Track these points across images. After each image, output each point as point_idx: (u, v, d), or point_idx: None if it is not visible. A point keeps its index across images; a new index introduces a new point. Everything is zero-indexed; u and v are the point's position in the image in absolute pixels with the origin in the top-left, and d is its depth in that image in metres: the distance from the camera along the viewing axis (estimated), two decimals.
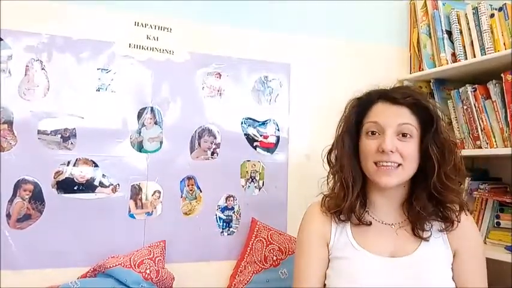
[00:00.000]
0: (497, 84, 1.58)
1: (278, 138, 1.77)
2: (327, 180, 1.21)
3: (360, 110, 1.16)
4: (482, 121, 1.62)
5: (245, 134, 1.73)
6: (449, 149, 1.09)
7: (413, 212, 1.12)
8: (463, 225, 1.12)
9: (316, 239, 1.16)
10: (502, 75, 1.55)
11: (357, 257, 1.10)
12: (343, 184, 1.14)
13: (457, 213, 1.11)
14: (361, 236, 1.13)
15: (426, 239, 1.11)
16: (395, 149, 1.06)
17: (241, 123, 1.73)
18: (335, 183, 1.18)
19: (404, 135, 1.08)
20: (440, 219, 1.12)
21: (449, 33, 1.83)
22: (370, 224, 1.14)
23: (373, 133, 1.10)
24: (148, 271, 1.44)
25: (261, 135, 1.75)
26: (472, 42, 1.74)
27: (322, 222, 1.18)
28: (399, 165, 1.08)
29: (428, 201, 1.11)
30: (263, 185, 1.72)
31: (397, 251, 1.11)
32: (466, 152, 1.63)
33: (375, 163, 1.09)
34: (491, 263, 1.23)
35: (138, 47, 1.60)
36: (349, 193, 1.13)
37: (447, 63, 1.80)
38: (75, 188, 1.50)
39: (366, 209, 1.16)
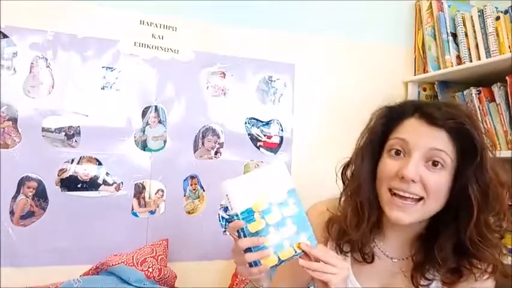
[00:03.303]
0: (501, 87, 1.57)
1: (282, 138, 1.77)
2: (339, 200, 1.01)
3: (388, 121, 0.95)
4: (486, 124, 1.61)
5: (249, 134, 1.73)
6: (495, 191, 0.87)
7: (423, 253, 0.93)
8: None
9: None
10: (506, 78, 1.54)
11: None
12: (358, 209, 0.94)
13: (481, 273, 0.89)
14: (359, 267, 0.99)
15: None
16: (418, 178, 0.86)
17: (245, 123, 1.73)
18: (347, 206, 0.97)
19: (435, 164, 0.87)
20: (450, 273, 0.91)
21: (455, 35, 1.82)
22: (372, 260, 0.97)
23: (397, 152, 0.90)
24: (150, 269, 1.44)
25: (264, 135, 1.75)
26: (477, 44, 1.74)
27: (321, 234, 0.99)
28: (420, 199, 0.88)
29: (452, 253, 0.89)
30: None
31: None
32: None
33: (390, 190, 0.90)
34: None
35: (143, 45, 1.60)
36: (363, 221, 0.94)
37: (452, 66, 1.79)
38: (79, 185, 1.50)
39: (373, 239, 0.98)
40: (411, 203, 0.88)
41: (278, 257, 0.85)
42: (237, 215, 0.84)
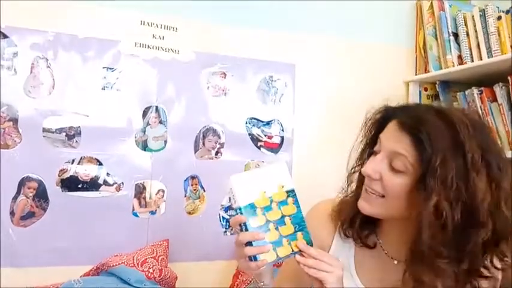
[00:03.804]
0: (503, 87, 1.57)
1: (282, 138, 1.77)
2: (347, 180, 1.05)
3: (381, 123, 0.98)
4: (488, 124, 1.59)
5: (249, 134, 1.72)
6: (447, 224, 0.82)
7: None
8: None
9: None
10: (508, 77, 1.54)
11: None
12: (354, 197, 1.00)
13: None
14: (362, 265, 1.02)
15: None
16: (377, 176, 0.90)
17: (246, 123, 1.72)
18: (352, 191, 1.02)
19: (393, 166, 0.89)
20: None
21: (456, 35, 1.81)
22: (374, 246, 1.00)
23: (375, 153, 0.94)
24: (151, 270, 1.43)
25: (265, 136, 1.75)
26: (478, 44, 1.73)
27: (327, 228, 1.05)
28: (382, 196, 0.91)
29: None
30: None
31: None
32: None
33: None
34: None
35: (144, 46, 1.60)
36: (354, 206, 0.98)
37: (453, 66, 1.78)
38: (79, 186, 1.50)
39: (374, 230, 1.02)
40: (374, 197, 0.92)
41: (276, 253, 0.88)
42: (240, 209, 0.87)
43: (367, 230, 1.01)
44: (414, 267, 0.87)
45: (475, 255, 0.85)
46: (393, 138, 0.90)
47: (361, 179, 0.98)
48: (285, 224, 0.90)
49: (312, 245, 0.91)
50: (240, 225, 0.87)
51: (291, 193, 0.91)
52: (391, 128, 0.92)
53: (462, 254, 0.84)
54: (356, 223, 1.00)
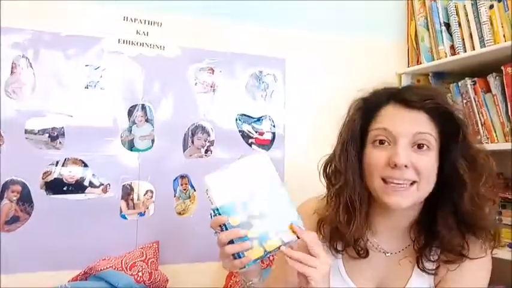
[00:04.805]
0: (497, 77, 1.55)
1: (274, 134, 1.74)
2: (327, 199, 0.99)
3: (366, 113, 0.96)
4: (483, 115, 1.59)
5: (240, 131, 1.69)
6: (482, 163, 0.90)
7: (421, 238, 0.94)
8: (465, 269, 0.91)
9: None
10: (502, 68, 1.51)
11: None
12: (348, 205, 0.93)
13: (480, 248, 0.92)
14: (351, 264, 0.99)
15: (431, 272, 0.93)
16: (410, 164, 0.87)
17: (236, 119, 1.69)
18: (336, 204, 0.95)
19: (420, 146, 0.88)
20: (452, 250, 0.91)
21: (448, 25, 1.78)
22: (367, 255, 0.96)
23: (381, 142, 0.90)
24: (140, 274, 1.41)
25: (256, 132, 1.72)
26: (471, 34, 1.70)
27: (312, 230, 0.96)
28: (413, 182, 0.88)
29: (453, 228, 0.91)
30: None
31: (385, 284, 0.97)
32: None
33: (383, 179, 0.90)
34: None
35: (128, 42, 1.56)
36: (356, 216, 0.93)
37: (446, 56, 1.76)
38: (65, 188, 1.47)
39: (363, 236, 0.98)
40: (406, 188, 0.89)
41: (264, 248, 0.84)
42: (217, 209, 0.84)
43: (360, 238, 0.96)
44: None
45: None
46: (410, 121, 0.89)
47: (360, 173, 0.94)
48: (270, 216, 0.85)
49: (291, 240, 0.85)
50: (220, 226, 0.84)
51: (275, 185, 0.86)
52: (396, 112, 0.91)
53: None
54: (348, 239, 0.95)
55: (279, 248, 0.85)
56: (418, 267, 0.94)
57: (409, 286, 0.95)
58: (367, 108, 0.96)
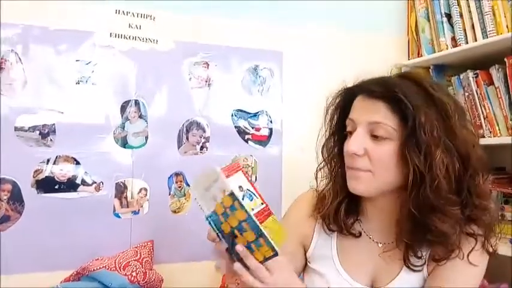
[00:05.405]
0: (500, 69, 1.52)
1: (271, 130, 1.71)
2: (316, 175, 1.06)
3: (343, 107, 1.00)
4: (485, 108, 1.56)
5: (236, 127, 1.66)
6: (437, 156, 0.86)
7: (409, 232, 0.92)
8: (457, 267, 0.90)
9: (292, 233, 0.98)
10: (505, 59, 1.48)
11: (336, 283, 0.99)
12: (332, 191, 1.01)
13: (471, 248, 0.90)
14: (346, 253, 1.01)
15: (416, 269, 0.93)
16: (362, 152, 0.89)
17: (232, 115, 1.66)
18: (329, 181, 1.03)
19: (375, 135, 0.89)
20: (443, 246, 0.91)
21: (449, 16, 1.75)
22: (360, 235, 1.00)
23: (351, 133, 0.94)
24: (134, 273, 1.38)
25: (252, 128, 1.68)
26: (473, 25, 1.66)
27: (308, 221, 1.06)
28: (369, 170, 0.91)
29: (413, 221, 0.90)
30: (256, 179, 1.66)
31: (378, 280, 0.98)
32: None
33: (347, 166, 0.94)
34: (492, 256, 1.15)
35: (120, 36, 1.53)
36: (336, 198, 1.00)
37: (447, 48, 1.73)
38: (56, 187, 1.44)
39: (358, 218, 1.02)
40: (362, 174, 0.91)
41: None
42: (207, 219, 0.83)
43: (351, 219, 1.01)
44: (427, 220, 0.88)
45: (472, 199, 0.90)
46: (367, 110, 0.91)
47: (340, 163, 0.98)
48: (246, 231, 0.80)
49: (276, 252, 0.79)
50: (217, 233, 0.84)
51: (233, 196, 0.79)
52: (360, 103, 0.93)
53: (466, 200, 0.89)
54: (340, 214, 0.99)
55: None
56: (405, 263, 0.94)
57: (398, 279, 0.95)
58: (344, 103, 1.00)
